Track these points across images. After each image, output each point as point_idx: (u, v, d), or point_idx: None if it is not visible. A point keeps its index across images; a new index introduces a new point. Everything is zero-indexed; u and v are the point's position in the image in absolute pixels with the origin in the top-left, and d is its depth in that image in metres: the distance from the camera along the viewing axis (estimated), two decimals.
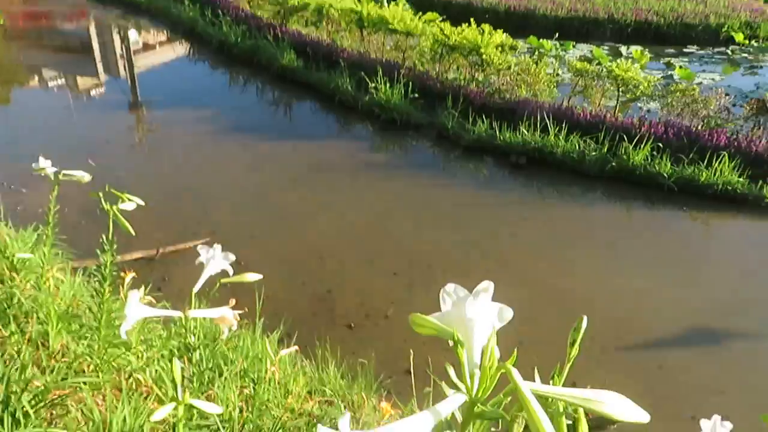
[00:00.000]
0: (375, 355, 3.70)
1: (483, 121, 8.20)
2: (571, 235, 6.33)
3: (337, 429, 0.54)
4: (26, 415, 1.51)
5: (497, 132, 7.95)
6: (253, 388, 2.25)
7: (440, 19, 11.50)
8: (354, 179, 7.36)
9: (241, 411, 2.19)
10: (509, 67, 9.35)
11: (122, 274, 2.81)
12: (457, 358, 0.59)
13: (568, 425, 0.64)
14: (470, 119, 8.36)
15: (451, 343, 0.65)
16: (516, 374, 0.55)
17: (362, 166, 7.80)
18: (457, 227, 6.25)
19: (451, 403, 0.59)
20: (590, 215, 6.85)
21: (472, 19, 10.15)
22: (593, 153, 7.46)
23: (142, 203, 2.53)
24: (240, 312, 2.03)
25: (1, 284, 3.09)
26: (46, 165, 2.90)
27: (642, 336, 4.70)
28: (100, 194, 2.49)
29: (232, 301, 2.04)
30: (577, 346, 0.76)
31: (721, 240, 6.63)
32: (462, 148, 8.17)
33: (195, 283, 1.99)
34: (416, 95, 9.04)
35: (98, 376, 2.22)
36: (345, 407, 3.02)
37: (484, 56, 9.22)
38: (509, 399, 0.60)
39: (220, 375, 2.52)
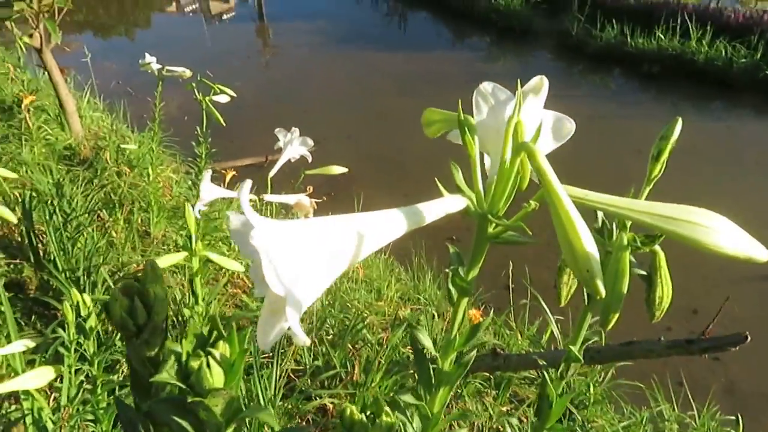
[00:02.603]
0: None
1: (613, 27, 7.40)
2: (709, 153, 5.63)
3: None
4: (105, 283, 1.55)
5: (629, 38, 7.15)
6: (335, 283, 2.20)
7: None
8: (467, 91, 6.98)
9: (323, 305, 2.15)
10: None
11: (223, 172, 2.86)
12: (468, 154, 0.41)
13: (642, 277, 0.44)
14: (598, 24, 7.58)
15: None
16: (541, 156, 0.36)
17: (476, 77, 7.35)
18: (577, 142, 5.76)
19: (444, 205, 0.41)
20: (736, 132, 6.04)
21: None
22: (743, 60, 6.50)
23: (234, 95, 2.54)
24: (318, 201, 1.94)
25: (117, 177, 3.28)
26: (151, 60, 3.03)
27: None
28: (194, 85, 2.51)
29: (310, 188, 1.95)
30: (663, 161, 0.53)
31: None
32: (587, 57, 7.46)
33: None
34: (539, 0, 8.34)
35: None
36: (437, 315, 2.92)
37: None
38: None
39: None
